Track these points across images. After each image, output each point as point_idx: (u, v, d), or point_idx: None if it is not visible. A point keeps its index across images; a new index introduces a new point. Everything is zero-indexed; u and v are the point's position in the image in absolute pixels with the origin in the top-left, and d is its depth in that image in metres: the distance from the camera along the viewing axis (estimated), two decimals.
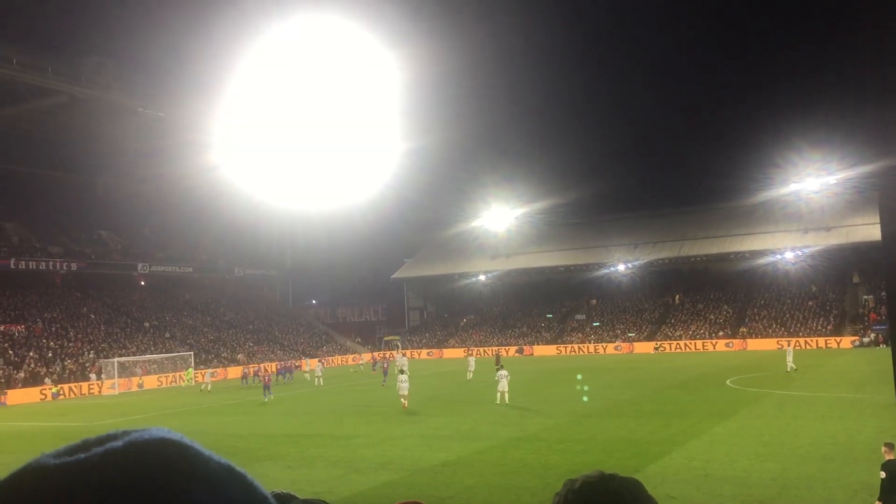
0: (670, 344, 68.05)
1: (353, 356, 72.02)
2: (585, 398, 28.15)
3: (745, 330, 68.22)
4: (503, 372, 32.36)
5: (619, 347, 69.30)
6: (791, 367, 40.19)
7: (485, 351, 70.19)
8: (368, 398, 38.25)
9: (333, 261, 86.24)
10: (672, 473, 17.01)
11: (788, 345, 47.19)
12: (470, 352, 61.98)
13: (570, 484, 1.46)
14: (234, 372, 57.34)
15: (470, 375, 45.34)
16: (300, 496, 2.97)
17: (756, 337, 65.83)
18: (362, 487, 17.21)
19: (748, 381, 36.81)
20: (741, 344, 64.69)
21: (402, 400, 31.58)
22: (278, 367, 55.12)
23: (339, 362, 71.35)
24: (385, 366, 49.45)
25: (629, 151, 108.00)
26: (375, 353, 69.33)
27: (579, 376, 33.35)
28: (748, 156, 71.44)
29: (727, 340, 66.02)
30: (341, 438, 24.64)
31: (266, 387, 39.59)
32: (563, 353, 70.71)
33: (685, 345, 67.26)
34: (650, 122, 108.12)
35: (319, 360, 56.63)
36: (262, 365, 55.88)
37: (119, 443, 0.82)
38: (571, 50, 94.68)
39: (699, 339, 68.16)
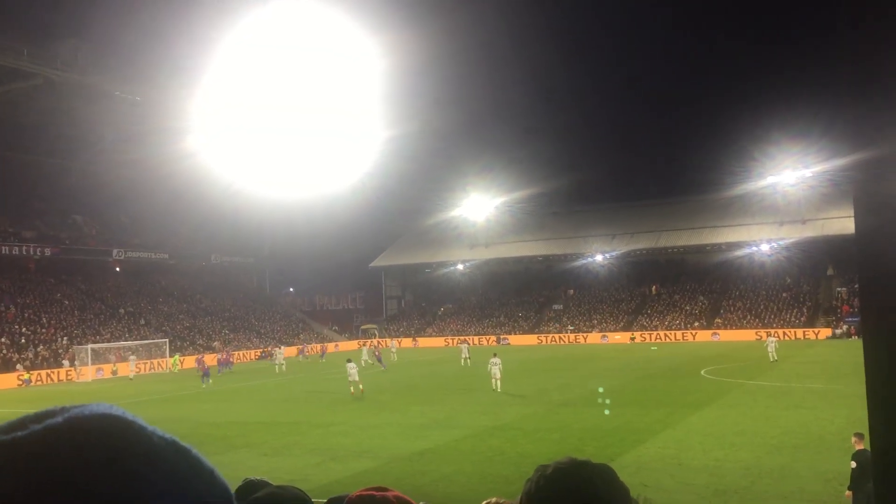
0: (647, 335, 68.55)
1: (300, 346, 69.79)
2: (607, 411, 28.05)
3: (720, 321, 68.89)
4: (495, 360, 32.67)
5: (605, 337, 69.42)
6: (773, 358, 40.65)
7: (478, 340, 70.92)
8: (340, 386, 38.21)
9: (312, 249, 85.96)
10: (646, 462, 17.18)
11: (768, 336, 47.68)
12: (464, 340, 63.20)
13: (542, 470, 1.46)
14: (210, 360, 56.96)
15: (465, 362, 46.01)
16: (275, 483, 2.97)
17: (731, 328, 66.51)
18: (339, 475, 17.22)
19: (723, 371, 37.20)
20: (716, 335, 65.30)
21: (351, 388, 32.42)
22: (219, 358, 54.57)
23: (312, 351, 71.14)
24: (377, 353, 50.81)
25: (609, 142, 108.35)
26: (372, 342, 68.88)
27: (601, 389, 33.40)
28: (726, 148, 72.19)
29: (713, 331, 66.36)
30: (318, 426, 24.64)
31: (205, 373, 42.68)
32: (544, 342, 71.00)
33: (663, 335, 67.77)
34: (630, 113, 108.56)
35: (278, 347, 56.94)
36: (203, 355, 55.43)
37: (59, 419, 0.79)
38: (553, 40, 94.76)
39: (675, 329, 68.72)
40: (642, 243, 78.09)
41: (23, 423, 0.80)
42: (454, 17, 65.29)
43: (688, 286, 76.17)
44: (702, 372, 37.24)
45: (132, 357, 51.30)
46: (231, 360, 54.09)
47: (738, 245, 73.47)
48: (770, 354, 41.11)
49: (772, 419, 22.41)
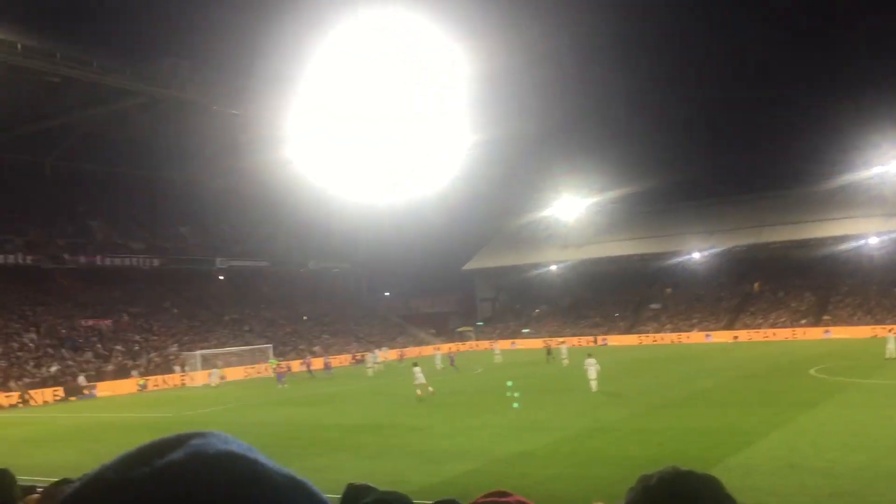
0: (752, 333, 66.34)
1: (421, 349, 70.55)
2: (516, 405, 28.94)
3: (828, 317, 66.05)
4: (591, 360, 32.46)
5: (709, 336, 67.40)
6: (891, 355, 38.75)
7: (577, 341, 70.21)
8: (440, 390, 38.46)
9: (406, 253, 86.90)
10: (755, 465, 16.61)
11: (889, 332, 45.45)
12: (563, 341, 62.93)
13: (646, 480, 1.41)
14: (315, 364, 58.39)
15: (565, 363, 45.87)
16: (378, 487, 3.02)
17: (841, 324, 63.66)
18: (440, 477, 17.34)
19: (834, 369, 35.64)
20: (828, 332, 62.52)
21: (418, 390, 33.28)
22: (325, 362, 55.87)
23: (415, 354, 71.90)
24: (452, 357, 52.61)
25: (704, 137, 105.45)
26: (445, 346, 69.34)
27: (510, 383, 34.58)
28: (829, 138, 68.84)
29: (824, 328, 63.57)
30: (418, 429, 24.88)
31: (280, 377, 46.72)
32: (644, 342, 69.66)
33: (766, 333, 65.49)
34: (725, 105, 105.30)
35: (371, 351, 57.64)
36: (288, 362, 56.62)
37: (180, 454, 0.80)
38: (645, 36, 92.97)
39: (780, 327, 66.29)
40: (742, 239, 75.67)
41: (146, 456, 0.80)
42: (543, 20, 64.99)
43: (793, 282, 73.32)
44: (811, 371, 35.79)
45: (215, 370, 52.79)
46: (330, 364, 55.25)
47: (844, 238, 70.25)
48: (889, 352, 39.15)
49: (889, 419, 21.34)
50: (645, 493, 1.38)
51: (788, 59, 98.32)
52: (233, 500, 0.77)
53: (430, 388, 33.81)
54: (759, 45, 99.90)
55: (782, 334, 64.75)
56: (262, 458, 0.84)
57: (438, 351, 60.37)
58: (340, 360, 63.23)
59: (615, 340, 71.27)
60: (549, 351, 53.98)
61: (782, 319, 68.16)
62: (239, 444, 0.85)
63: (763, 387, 31.19)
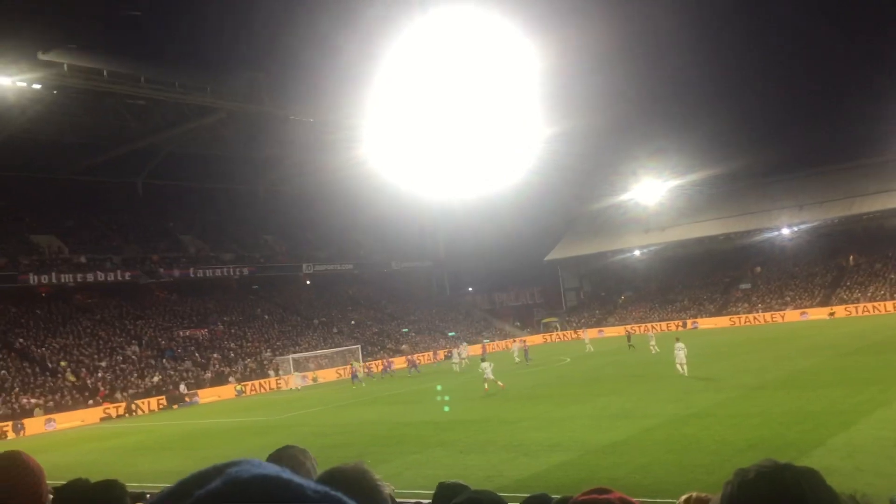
0: (851, 308, 63.90)
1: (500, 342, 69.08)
2: (447, 408, 29.59)
3: None
4: (680, 345, 32.12)
5: (805, 314, 65.16)
6: None
7: (652, 327, 68.94)
8: (527, 382, 38.43)
9: (485, 247, 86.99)
10: (859, 445, 16.06)
11: None
12: (651, 327, 62.19)
13: (743, 474, 1.38)
14: (400, 362, 59.39)
15: (654, 350, 44.97)
16: (472, 482, 3.11)
17: None
18: (533, 470, 17.38)
19: None
20: None
21: (486, 385, 33.86)
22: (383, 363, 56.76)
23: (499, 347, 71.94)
24: (525, 348, 53.83)
25: (787, 108, 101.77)
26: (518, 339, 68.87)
27: (439, 387, 34.84)
28: None
29: None
30: (508, 422, 24.96)
31: (354, 376, 49.67)
32: (736, 324, 67.92)
33: (865, 308, 62.99)
34: (807, 72, 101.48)
35: (457, 346, 57.74)
36: (371, 362, 57.66)
37: (218, 483, 0.84)
38: (722, 13, 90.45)
39: (880, 300, 63.63)
40: (834, 212, 72.85)
41: (184, 489, 0.85)
42: (615, 8, 63.83)
43: (890, 253, 70.20)
44: None
45: (297, 374, 54.02)
46: (416, 361, 55.94)
47: None
48: None
49: None
50: (742, 487, 1.36)
51: (869, 20, 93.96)
52: None
53: (500, 383, 34.18)
54: (838, 9, 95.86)
55: (883, 308, 62.13)
56: (297, 478, 0.87)
57: (515, 343, 60.34)
58: (427, 357, 63.85)
59: (705, 323, 69.76)
60: (629, 338, 53.36)
61: (881, 292, 65.38)
62: (272, 467, 0.88)
63: (864, 363, 30.07)
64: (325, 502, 0.87)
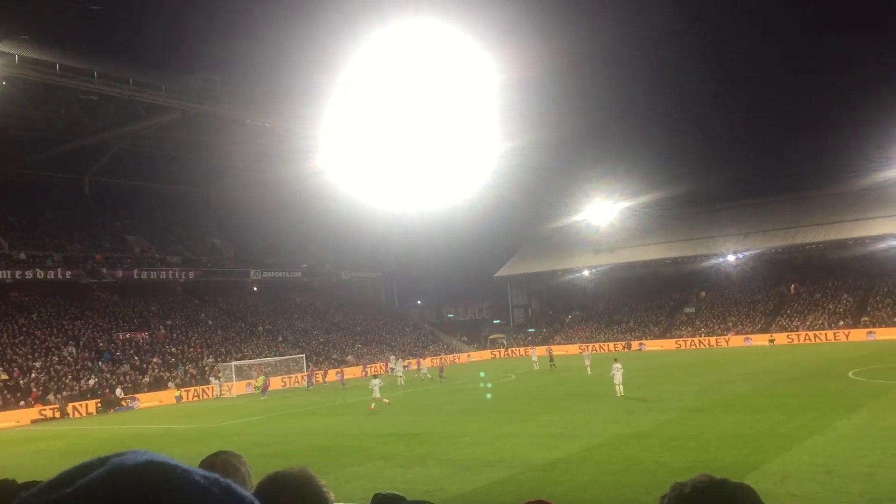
0: (788, 335, 65.38)
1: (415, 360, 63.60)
2: (489, 395, 30.46)
3: (867, 319, 64.91)
4: (617, 365, 32.49)
5: (772, 340, 65.55)
6: None
7: (599, 347, 69.73)
8: (476, 396, 38.43)
9: (437, 261, 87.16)
10: (793, 471, 16.37)
11: None
12: (585, 348, 62.19)
13: (679, 488, 1.40)
14: (351, 372, 58.73)
15: (589, 371, 45.10)
16: (412, 496, 3.04)
17: (881, 326, 62.50)
18: (473, 486, 17.33)
19: (874, 372, 35.01)
20: (872, 333, 61.32)
21: (372, 404, 33.99)
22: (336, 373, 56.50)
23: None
24: (441, 367, 53.44)
25: (736, 138, 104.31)
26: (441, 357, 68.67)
27: (482, 373, 35.25)
28: (862, 135, 67.48)
29: (868, 329, 62.19)
30: (450, 437, 24.88)
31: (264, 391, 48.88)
32: (682, 346, 68.87)
33: (803, 336, 64.52)
34: (754, 105, 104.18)
35: (397, 359, 57.63)
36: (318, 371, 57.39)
37: (101, 470, 0.82)
38: (674, 39, 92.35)
39: (818, 329, 65.28)
40: (777, 241, 74.73)
41: (68, 479, 0.83)
42: (571, 27, 64.87)
43: (829, 284, 72.18)
44: (849, 374, 35.17)
45: (214, 380, 53.86)
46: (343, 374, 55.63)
47: (883, 238, 69.04)
48: None
49: None
50: (679, 501, 1.37)
51: (818, 55, 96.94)
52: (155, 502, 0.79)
53: (386, 400, 34.40)
54: (790, 43, 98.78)
55: (823, 336, 63.72)
56: (183, 464, 0.85)
57: (533, 350, 59.30)
58: (378, 368, 63.33)
59: (650, 345, 70.70)
60: (551, 358, 53.81)
61: (820, 322, 67.12)
62: (160, 455, 0.86)
63: (800, 391, 30.74)
64: (215, 487, 0.85)
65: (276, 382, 55.64)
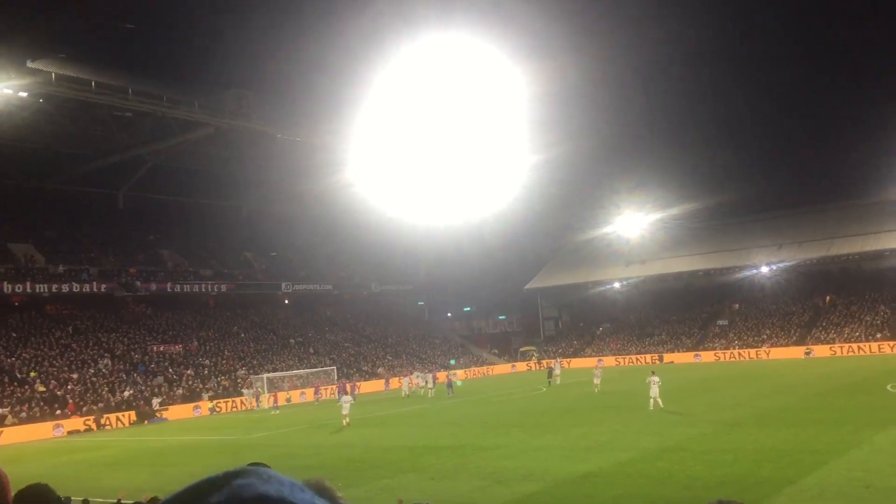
0: (823, 348, 64.33)
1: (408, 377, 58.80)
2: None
3: None
4: (654, 378, 32.05)
5: (809, 351, 64.25)
6: None
7: (634, 359, 69.06)
8: (507, 409, 38.31)
9: (467, 273, 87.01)
10: (830, 485, 16.12)
11: None
12: (599, 363, 61.25)
13: None
14: (374, 385, 58.88)
15: (597, 388, 43.05)
16: None
17: None
18: (505, 499, 17.27)
19: None
20: None
21: (343, 421, 34.76)
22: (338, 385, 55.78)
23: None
24: (449, 380, 52.31)
25: (770, 149, 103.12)
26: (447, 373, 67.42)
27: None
28: None
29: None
30: (482, 449, 24.81)
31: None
32: (721, 359, 67.93)
33: (839, 348, 63.45)
34: (789, 114, 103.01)
35: (430, 373, 57.10)
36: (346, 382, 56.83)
37: (219, 497, 0.84)
38: (708, 49, 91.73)
39: (854, 341, 64.17)
40: (812, 252, 73.63)
41: (187, 499, 0.85)
42: (600, 39, 64.71)
43: (866, 295, 70.93)
44: (888, 387, 34.54)
45: (247, 390, 53.96)
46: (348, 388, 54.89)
47: None
48: None
49: None
50: None
51: (853, 62, 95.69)
52: None
53: (347, 421, 34.83)
54: (824, 51, 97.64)
55: (857, 349, 62.62)
56: (302, 495, 0.87)
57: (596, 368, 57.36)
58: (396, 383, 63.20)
59: (682, 358, 69.95)
60: (550, 373, 53.02)
61: (856, 334, 65.95)
62: (280, 482, 0.87)
63: (837, 404, 30.24)
64: None
65: (307, 394, 55.72)
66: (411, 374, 58.10)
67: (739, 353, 68.26)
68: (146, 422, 47.37)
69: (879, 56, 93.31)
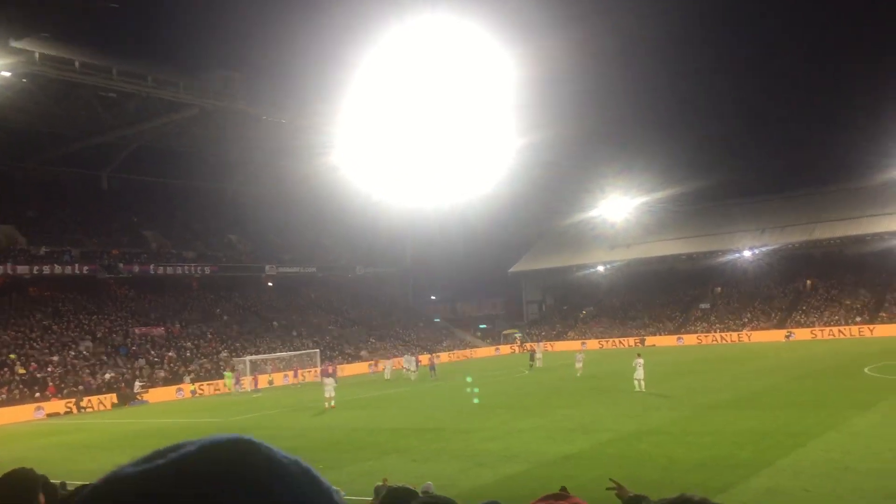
0: (804, 331, 64.95)
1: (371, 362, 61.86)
2: (476, 400, 32.18)
3: (884, 315, 64.38)
4: (639, 360, 32.44)
5: (789, 335, 64.66)
6: None
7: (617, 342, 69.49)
8: (490, 391, 38.45)
9: (451, 256, 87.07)
10: (808, 466, 16.32)
11: None
12: (581, 348, 61.54)
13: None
14: (356, 368, 58.90)
15: (579, 372, 42.85)
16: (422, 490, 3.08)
17: None
18: (486, 480, 17.38)
19: (889, 368, 34.73)
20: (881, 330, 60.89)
21: (325, 403, 34.79)
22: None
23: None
24: (432, 363, 51.67)
25: (754, 133, 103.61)
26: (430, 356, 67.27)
27: (469, 378, 35.85)
28: (881, 129, 66.68)
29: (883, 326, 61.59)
30: (464, 432, 24.94)
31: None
32: (703, 342, 68.34)
33: (819, 332, 64.09)
34: (772, 100, 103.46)
35: (412, 355, 57.08)
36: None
37: (193, 447, 0.89)
38: (692, 33, 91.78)
39: (834, 325, 64.81)
40: (795, 236, 74.20)
41: (161, 453, 0.90)
42: (586, 23, 64.58)
43: (847, 279, 71.59)
44: (865, 370, 34.94)
45: (229, 373, 53.57)
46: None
47: None
48: None
49: None
50: None
51: (836, 48, 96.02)
52: (247, 481, 0.86)
53: (332, 403, 34.68)
54: (807, 36, 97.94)
55: (837, 332, 63.26)
56: (270, 445, 0.93)
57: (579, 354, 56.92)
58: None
59: (664, 341, 70.44)
60: (532, 356, 53.02)
61: (836, 318, 66.63)
62: (247, 436, 0.93)
63: (817, 387, 30.58)
64: (299, 470, 0.92)
65: (280, 378, 55.59)
66: (394, 357, 58.07)
67: (721, 337, 68.84)
68: (127, 404, 47.19)
69: (864, 42, 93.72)
